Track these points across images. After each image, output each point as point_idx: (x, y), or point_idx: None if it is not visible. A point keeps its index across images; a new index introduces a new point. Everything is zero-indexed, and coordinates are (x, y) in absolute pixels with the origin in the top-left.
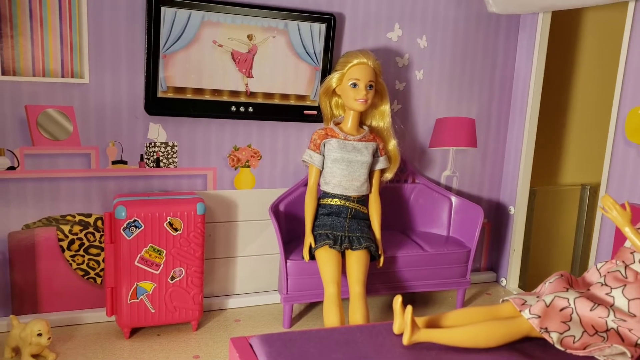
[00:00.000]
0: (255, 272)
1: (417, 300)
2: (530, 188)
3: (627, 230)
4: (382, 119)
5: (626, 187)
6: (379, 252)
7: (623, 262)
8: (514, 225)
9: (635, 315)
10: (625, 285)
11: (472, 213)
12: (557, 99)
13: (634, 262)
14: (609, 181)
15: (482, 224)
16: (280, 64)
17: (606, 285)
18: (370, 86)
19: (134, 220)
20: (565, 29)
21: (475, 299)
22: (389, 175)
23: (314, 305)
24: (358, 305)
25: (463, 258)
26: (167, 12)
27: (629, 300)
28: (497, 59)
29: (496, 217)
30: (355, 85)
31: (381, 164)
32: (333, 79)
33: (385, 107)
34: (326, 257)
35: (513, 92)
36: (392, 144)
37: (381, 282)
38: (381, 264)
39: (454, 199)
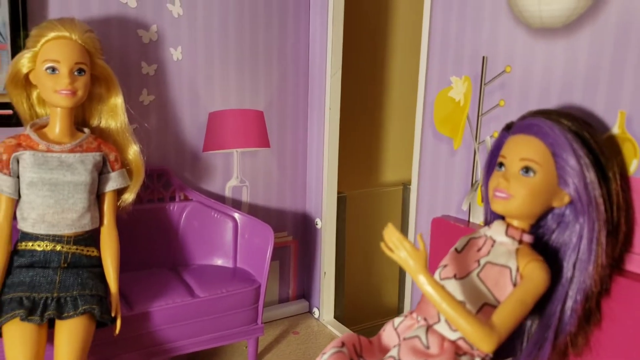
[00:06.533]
0: None
1: (202, 357)
2: (339, 194)
3: (423, 281)
4: (114, 117)
5: (440, 190)
6: (113, 314)
7: (425, 319)
8: (323, 241)
9: None
10: None
11: (261, 234)
12: (367, 84)
13: (439, 320)
14: (419, 183)
15: (288, 242)
16: None
17: None
18: (80, 70)
19: None
20: None
21: (278, 342)
22: (129, 197)
23: None
24: None
25: (251, 298)
26: None
27: None
28: (287, 30)
29: (304, 232)
30: (53, 70)
31: (114, 182)
32: (22, 60)
33: (116, 100)
34: (15, 336)
35: (310, 75)
36: (133, 151)
37: (132, 350)
38: (118, 330)
39: (238, 216)
